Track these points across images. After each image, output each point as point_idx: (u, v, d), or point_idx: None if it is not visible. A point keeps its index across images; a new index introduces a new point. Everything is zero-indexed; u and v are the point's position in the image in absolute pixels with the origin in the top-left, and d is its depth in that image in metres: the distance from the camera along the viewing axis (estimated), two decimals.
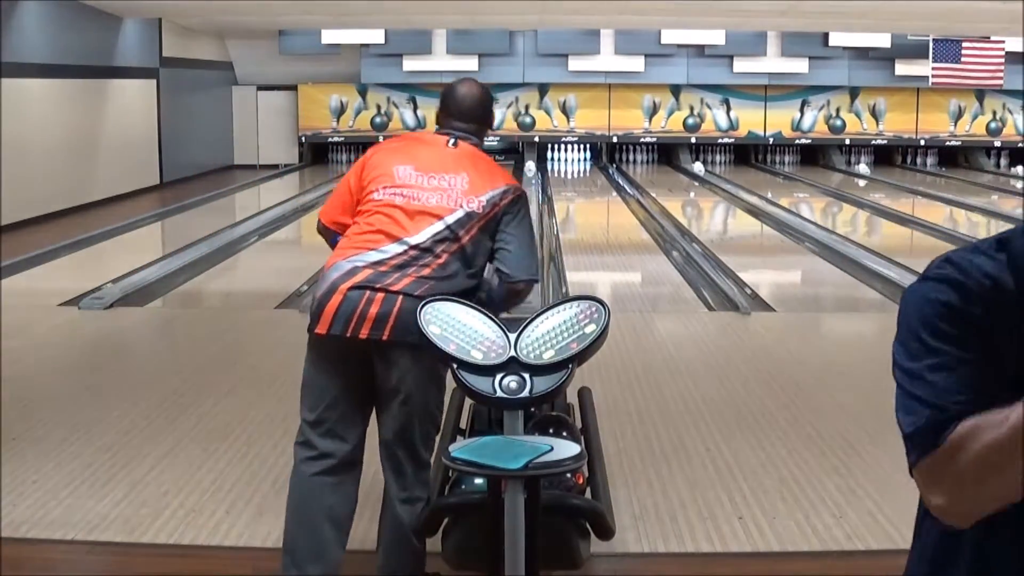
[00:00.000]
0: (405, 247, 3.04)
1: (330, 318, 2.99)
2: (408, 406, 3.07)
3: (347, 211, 3.22)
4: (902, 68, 18.95)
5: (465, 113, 3.25)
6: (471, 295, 3.06)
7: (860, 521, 3.90)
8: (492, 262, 3.19)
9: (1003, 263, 1.39)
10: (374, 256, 3.04)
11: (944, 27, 16.97)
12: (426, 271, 3.03)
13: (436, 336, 2.97)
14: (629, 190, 16.42)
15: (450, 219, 3.07)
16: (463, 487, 3.25)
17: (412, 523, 3.10)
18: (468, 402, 3.75)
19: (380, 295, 2.97)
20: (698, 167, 19.05)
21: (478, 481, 3.12)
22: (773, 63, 18.94)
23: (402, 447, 3.11)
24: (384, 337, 2.97)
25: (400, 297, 2.98)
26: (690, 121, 19.61)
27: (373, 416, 3.22)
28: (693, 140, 19.82)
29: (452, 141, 3.20)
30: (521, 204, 3.20)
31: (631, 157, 20.27)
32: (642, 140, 19.86)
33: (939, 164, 20.27)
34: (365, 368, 3.07)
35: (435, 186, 3.10)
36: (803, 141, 20.01)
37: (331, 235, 3.28)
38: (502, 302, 3.19)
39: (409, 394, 3.05)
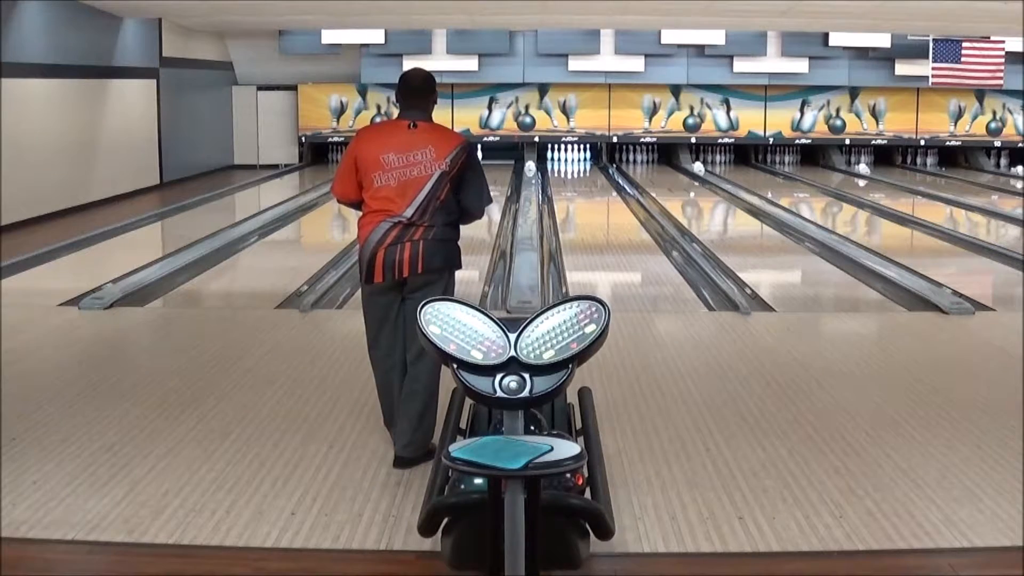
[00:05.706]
0: (408, 215, 4.33)
1: (381, 269, 4.34)
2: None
3: (355, 188, 4.47)
4: (902, 68, 18.95)
5: (413, 91, 4.49)
6: (456, 227, 4.46)
7: (860, 521, 3.90)
8: (459, 202, 4.48)
9: None
10: (392, 220, 4.33)
11: (944, 27, 16.97)
12: (426, 224, 4.35)
13: (436, 336, 2.97)
14: (629, 190, 16.42)
15: (430, 183, 4.34)
16: (463, 487, 3.25)
17: (424, 378, 4.37)
18: (468, 402, 3.75)
19: (408, 244, 4.33)
20: (698, 167, 19.04)
21: (478, 481, 3.12)
22: (773, 63, 18.94)
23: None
24: (419, 271, 4.34)
25: (421, 241, 4.33)
26: (690, 121, 19.61)
27: None
28: (693, 140, 19.83)
29: (412, 124, 4.41)
30: (473, 158, 4.47)
31: (631, 157, 20.27)
32: (642, 140, 19.86)
33: (939, 164, 20.28)
34: (399, 294, 4.45)
35: (413, 161, 4.35)
36: (803, 141, 20.01)
37: (347, 203, 4.58)
38: (464, 217, 4.54)
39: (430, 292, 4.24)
